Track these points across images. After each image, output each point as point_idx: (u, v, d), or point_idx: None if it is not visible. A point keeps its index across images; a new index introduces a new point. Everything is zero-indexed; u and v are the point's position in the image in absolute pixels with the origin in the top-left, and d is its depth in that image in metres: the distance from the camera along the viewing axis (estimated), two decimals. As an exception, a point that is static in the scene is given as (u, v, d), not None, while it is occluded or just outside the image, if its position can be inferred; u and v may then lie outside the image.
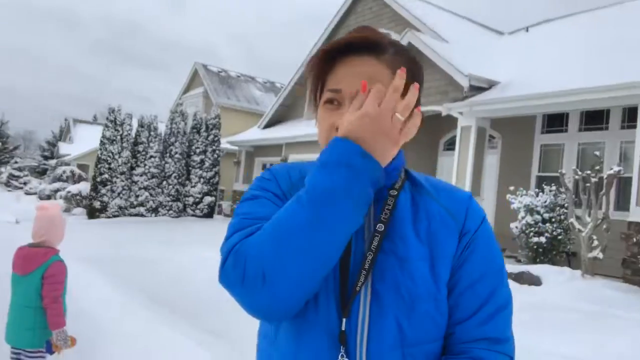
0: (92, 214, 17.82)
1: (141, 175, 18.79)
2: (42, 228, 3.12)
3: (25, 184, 38.79)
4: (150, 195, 18.93)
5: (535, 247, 9.22)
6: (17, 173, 43.77)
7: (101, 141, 18.21)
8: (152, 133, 19.22)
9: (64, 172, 27.90)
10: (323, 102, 1.03)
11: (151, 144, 19.07)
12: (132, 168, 18.81)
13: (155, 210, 19.06)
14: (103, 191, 17.87)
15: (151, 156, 19.00)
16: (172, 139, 19.63)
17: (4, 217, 16.73)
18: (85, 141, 38.18)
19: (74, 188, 19.77)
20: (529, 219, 9.32)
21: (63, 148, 41.12)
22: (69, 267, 3.19)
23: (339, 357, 0.93)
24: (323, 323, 0.95)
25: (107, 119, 18.76)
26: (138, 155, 18.88)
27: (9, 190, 39.97)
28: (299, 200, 0.90)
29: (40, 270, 3.00)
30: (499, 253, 1.08)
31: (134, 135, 19.14)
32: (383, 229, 0.99)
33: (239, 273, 0.88)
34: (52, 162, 38.49)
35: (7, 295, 3.17)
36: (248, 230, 0.94)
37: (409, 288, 0.96)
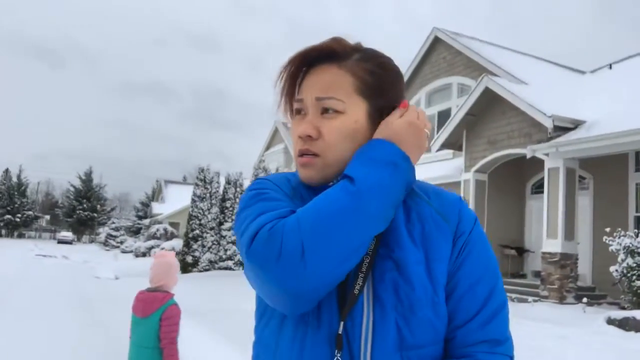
0: (185, 268, 18.67)
1: (229, 230, 19.56)
2: (159, 274, 3.42)
3: (121, 242, 41.23)
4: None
5: (639, 290, 8.65)
6: (114, 233, 46.70)
7: (192, 199, 19.27)
8: (238, 189, 20.10)
9: (157, 230, 29.50)
10: (292, 111, 1.07)
11: (237, 200, 19.91)
12: (220, 223, 19.65)
13: (242, 264, 19.64)
14: (195, 246, 18.73)
15: (238, 211, 19.81)
16: (257, 194, 20.38)
17: (105, 275, 17.92)
18: (176, 200, 40.25)
19: (167, 245, 20.88)
20: (629, 261, 8.80)
21: (155, 208, 43.58)
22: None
23: None
24: (325, 328, 0.95)
25: (197, 177, 19.90)
26: (226, 211, 19.73)
27: (106, 249, 42.61)
28: (344, 188, 0.90)
29: (159, 313, 3.28)
30: (492, 254, 1.08)
31: (221, 192, 20.09)
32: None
33: (274, 248, 0.86)
34: (146, 221, 40.78)
35: (121, 337, 3.47)
36: (277, 212, 0.93)
37: (408, 292, 0.96)
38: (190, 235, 18.89)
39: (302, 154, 1.02)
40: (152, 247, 27.88)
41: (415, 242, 1.00)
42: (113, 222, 51.39)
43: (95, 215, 64.57)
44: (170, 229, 30.20)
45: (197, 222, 18.98)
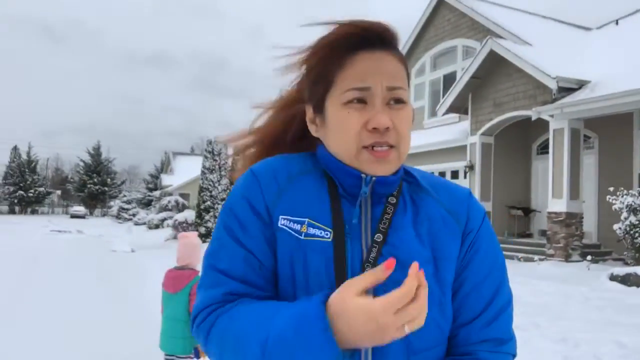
0: (200, 238, 19.08)
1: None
2: (185, 254, 3.70)
3: (134, 215, 41.82)
4: (249, 218, 20.00)
5: (642, 247, 8.91)
6: (126, 206, 47.34)
7: (202, 171, 19.58)
8: (246, 160, 20.34)
9: (169, 202, 29.90)
10: (347, 100, 0.93)
11: (247, 170, 20.20)
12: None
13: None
14: (207, 217, 19.12)
15: (247, 182, 20.11)
16: (266, 164, 20.65)
17: (122, 248, 18.38)
18: (184, 172, 40.63)
19: (180, 216, 21.25)
20: (632, 219, 9.04)
21: (165, 179, 44.05)
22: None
23: None
24: None
25: (205, 150, 20.15)
26: (235, 181, 20.03)
27: (119, 222, 43.31)
28: (261, 344, 0.83)
29: (187, 289, 3.57)
30: (500, 249, 1.06)
31: (230, 164, 20.32)
32: (382, 239, 0.94)
33: (201, 341, 0.94)
34: (157, 193, 41.27)
35: (148, 309, 3.76)
36: (215, 296, 0.93)
37: None
38: (202, 207, 19.26)
39: (381, 145, 0.92)
40: (165, 219, 28.34)
41: (423, 240, 0.96)
42: (124, 195, 52.04)
43: (106, 189, 65.30)
44: (181, 200, 30.60)
45: (208, 193, 19.33)
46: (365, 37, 0.94)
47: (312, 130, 1.02)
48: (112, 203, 56.33)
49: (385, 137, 0.92)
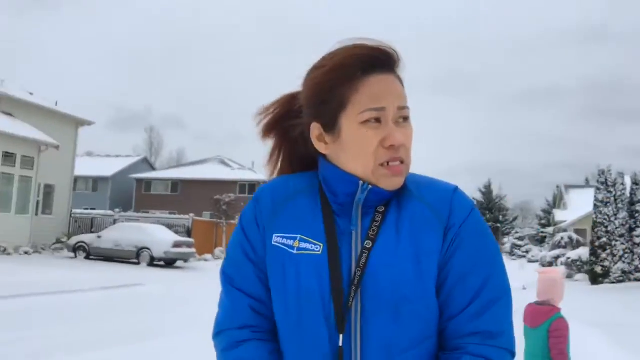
0: (595, 279, 17.55)
1: (643, 237, 17.48)
2: (543, 289, 3.68)
3: (527, 252, 41.33)
4: (657, 257, 17.27)
5: None
6: (518, 242, 47.26)
7: (594, 204, 18.09)
8: (649, 190, 17.80)
9: (562, 238, 28.48)
10: (364, 120, 0.99)
11: (650, 202, 17.63)
12: (631, 229, 17.75)
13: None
14: (603, 255, 17.46)
15: (652, 215, 17.50)
16: (676, 194, 17.61)
17: (514, 284, 18.41)
18: (579, 206, 37.99)
19: (573, 254, 20.06)
20: None
21: (558, 215, 42.07)
22: (574, 329, 3.63)
23: None
24: (323, 342, 0.98)
25: (597, 181, 18.59)
26: (637, 215, 17.73)
27: (512, 259, 43.39)
28: None
29: (546, 325, 3.53)
30: (491, 243, 1.03)
31: (628, 195, 18.16)
32: (371, 245, 1.00)
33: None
34: (549, 229, 39.87)
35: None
36: (233, 339, 1.06)
37: (394, 292, 0.97)
38: (597, 243, 17.70)
39: (395, 161, 1.00)
40: (558, 257, 27.06)
41: (403, 239, 1.00)
42: (517, 232, 52.02)
43: (499, 225, 66.63)
44: (575, 236, 28.71)
45: (603, 229, 17.65)
46: (376, 59, 1.01)
47: (321, 147, 1.06)
48: (505, 240, 57.05)
49: (399, 153, 1.00)
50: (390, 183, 1.01)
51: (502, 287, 1.02)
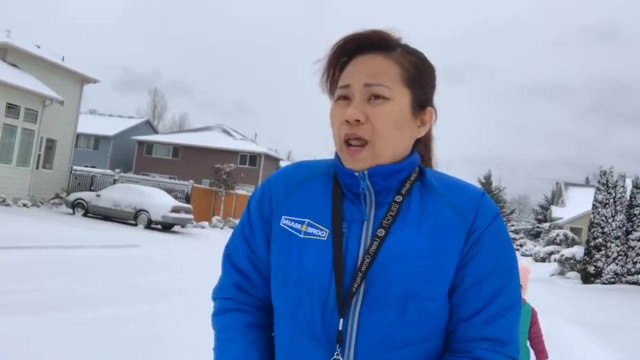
0: (587, 279, 17.68)
1: (638, 241, 17.53)
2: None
3: (521, 245, 41.49)
4: (651, 262, 17.35)
5: None
6: (513, 236, 47.40)
7: (593, 204, 18.11)
8: (650, 195, 17.80)
9: (557, 235, 28.64)
10: (335, 99, 1.04)
11: (649, 207, 17.63)
12: (627, 232, 17.81)
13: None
14: (597, 256, 17.55)
15: (650, 220, 17.53)
16: (676, 201, 17.61)
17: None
18: (577, 204, 38.11)
19: (567, 251, 20.14)
20: None
21: (555, 211, 42.20)
22: (563, 328, 3.66)
23: (335, 355, 0.97)
24: (317, 327, 0.99)
25: (598, 181, 18.57)
26: (634, 219, 17.76)
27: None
28: None
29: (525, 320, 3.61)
30: (510, 251, 1.03)
31: (628, 198, 18.18)
32: (384, 234, 0.98)
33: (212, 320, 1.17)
34: (545, 225, 40.01)
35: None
36: (231, 288, 1.13)
37: (405, 288, 0.96)
38: (592, 243, 17.78)
39: (349, 138, 1.00)
40: (552, 253, 27.24)
41: (424, 237, 0.99)
42: (512, 225, 52.18)
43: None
44: (570, 234, 28.89)
45: (600, 230, 17.71)
46: (359, 44, 1.03)
47: None
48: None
49: (355, 129, 0.98)
50: (349, 164, 1.01)
51: (516, 296, 1.02)
